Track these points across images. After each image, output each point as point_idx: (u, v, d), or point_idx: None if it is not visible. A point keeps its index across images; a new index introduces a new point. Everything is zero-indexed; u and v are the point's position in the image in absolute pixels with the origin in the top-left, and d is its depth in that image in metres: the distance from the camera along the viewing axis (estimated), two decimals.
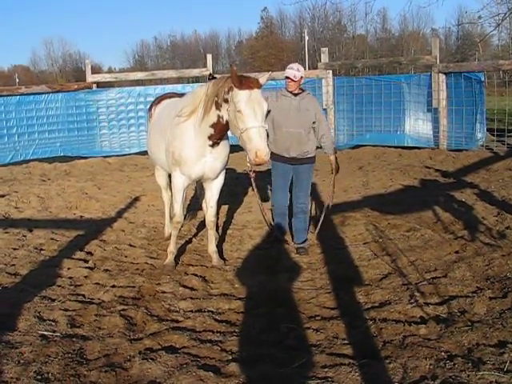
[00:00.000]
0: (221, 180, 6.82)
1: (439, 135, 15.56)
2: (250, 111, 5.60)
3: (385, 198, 10.06)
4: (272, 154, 6.59)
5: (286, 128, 6.96)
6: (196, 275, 6.47)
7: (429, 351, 4.24)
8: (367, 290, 5.74)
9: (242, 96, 5.63)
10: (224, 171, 6.80)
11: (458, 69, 15.41)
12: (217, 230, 7.91)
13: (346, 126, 17.37)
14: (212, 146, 6.26)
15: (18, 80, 67.95)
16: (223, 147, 6.44)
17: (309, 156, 7.16)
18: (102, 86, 17.67)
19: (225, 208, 9.71)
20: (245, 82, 5.67)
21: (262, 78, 5.87)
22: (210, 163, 6.40)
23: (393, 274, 6.14)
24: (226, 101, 5.81)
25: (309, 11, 72.89)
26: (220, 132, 6.11)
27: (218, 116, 5.95)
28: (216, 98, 5.90)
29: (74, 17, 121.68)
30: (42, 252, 7.50)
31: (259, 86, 5.74)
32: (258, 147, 5.52)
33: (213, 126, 6.05)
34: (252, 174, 6.92)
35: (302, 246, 7.33)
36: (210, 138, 6.17)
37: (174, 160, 6.49)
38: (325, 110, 17.29)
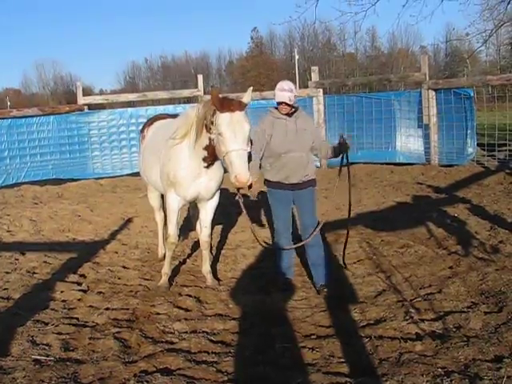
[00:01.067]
0: (216, 200, 6.81)
1: (430, 151, 15.65)
2: (230, 134, 5.55)
3: (378, 215, 10.08)
4: (269, 182, 6.51)
5: (285, 153, 6.31)
6: (190, 296, 6.44)
7: (425, 368, 4.23)
8: (362, 307, 5.73)
9: (222, 119, 5.60)
10: (219, 191, 6.80)
11: (447, 85, 15.53)
12: (211, 250, 7.89)
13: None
14: (207, 167, 6.25)
15: (9, 103, 68.01)
16: (218, 168, 6.42)
17: (310, 179, 6.57)
18: (93, 107, 17.73)
19: (218, 228, 9.70)
20: (226, 105, 5.62)
21: (246, 96, 5.78)
22: (204, 184, 6.40)
23: (387, 290, 6.14)
24: (213, 123, 5.80)
25: (298, 30, 73.51)
26: (213, 154, 6.03)
27: (209, 138, 5.92)
28: (205, 121, 5.90)
29: (64, 39, 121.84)
30: (34, 275, 7.46)
31: (242, 108, 5.66)
32: (237, 171, 5.46)
33: (206, 148, 6.03)
34: (239, 198, 6.39)
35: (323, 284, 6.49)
36: (204, 160, 6.16)
37: (169, 181, 6.49)
38: (316, 128, 17.40)
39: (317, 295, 6.26)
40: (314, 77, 17.78)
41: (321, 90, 17.48)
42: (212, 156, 6.10)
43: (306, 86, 19.37)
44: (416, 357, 4.46)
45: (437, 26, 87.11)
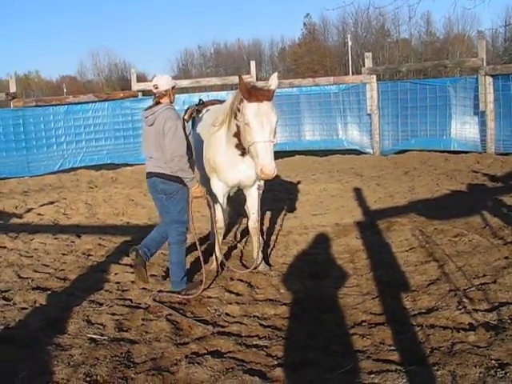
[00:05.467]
0: (260, 187, 6.75)
1: (487, 139, 15.26)
2: (257, 125, 5.54)
3: (431, 203, 9.91)
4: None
5: None
6: (241, 280, 6.49)
7: (478, 359, 4.15)
8: (414, 295, 5.66)
9: (249, 109, 5.59)
10: None
11: (505, 71, 15.09)
12: (262, 235, 7.92)
13: (390, 131, 17.19)
14: (241, 154, 6.19)
15: (65, 90, 69.60)
16: None
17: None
18: (147, 94, 17.89)
19: (269, 214, 9.72)
20: (254, 94, 5.60)
21: (273, 83, 5.70)
22: (244, 172, 6.38)
23: (440, 279, 6.04)
24: (239, 110, 5.79)
25: (352, 16, 72.68)
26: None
27: (237, 126, 5.92)
28: (234, 109, 5.90)
29: (119, 28, 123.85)
30: (89, 257, 7.66)
31: (270, 98, 5.63)
32: (263, 163, 5.46)
33: (235, 135, 6.02)
34: (261, 187, 6.53)
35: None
36: (236, 147, 6.14)
37: (210, 167, 6.59)
38: (369, 115, 17.21)
39: (368, 282, 6.21)
40: (368, 63, 17.54)
41: (374, 77, 17.25)
42: (243, 143, 6.01)
43: (360, 73, 19.16)
44: (469, 347, 4.38)
45: (495, 10, 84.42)
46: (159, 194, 6.23)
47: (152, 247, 6.34)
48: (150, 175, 6.19)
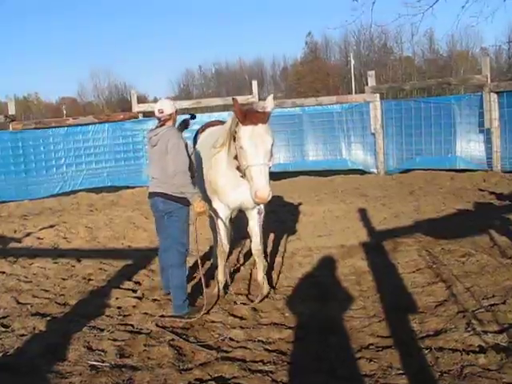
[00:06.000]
0: (262, 209, 6.73)
1: (492, 156, 15.27)
2: (251, 148, 5.55)
3: (437, 222, 9.90)
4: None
5: None
6: (245, 304, 6.48)
7: (489, 382, 4.12)
8: (422, 317, 5.63)
9: (243, 132, 5.60)
10: None
11: (510, 87, 15.14)
12: (265, 258, 7.91)
13: (395, 150, 17.21)
14: (243, 176, 6.08)
15: (65, 112, 69.89)
16: None
17: None
18: (147, 115, 17.97)
19: (273, 235, 9.71)
20: (248, 117, 5.60)
21: (269, 105, 5.73)
22: (246, 193, 6.20)
23: (448, 301, 6.01)
24: (237, 133, 5.80)
25: (354, 35, 73.07)
26: None
27: (236, 148, 5.90)
28: (232, 131, 5.93)
29: (119, 48, 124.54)
30: (90, 282, 7.65)
31: (264, 120, 5.63)
32: (257, 187, 5.47)
33: (235, 157, 5.99)
34: (260, 212, 6.56)
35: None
36: (237, 169, 6.10)
37: (211, 189, 6.59)
38: (373, 134, 17.25)
39: (374, 304, 6.19)
40: (371, 81, 17.64)
41: (377, 95, 17.33)
42: None
43: (363, 91, 19.25)
44: (479, 370, 4.35)
45: (498, 26, 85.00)
46: (160, 214, 6.34)
47: (177, 294, 6.40)
48: (151, 195, 6.36)
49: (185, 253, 6.30)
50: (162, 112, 6.25)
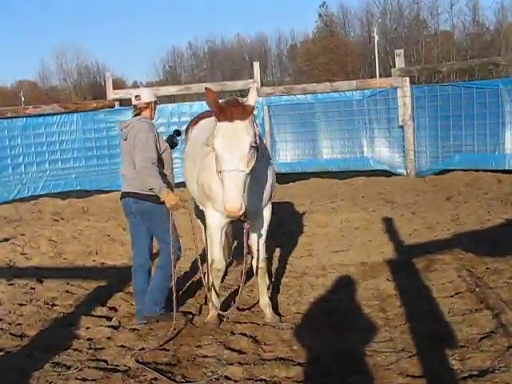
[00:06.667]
0: (265, 218, 6.78)
1: None
2: (223, 150, 5.53)
3: (481, 235, 9.90)
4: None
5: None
6: (245, 335, 6.46)
7: None
8: (463, 353, 5.62)
9: (217, 130, 5.62)
10: (269, 207, 6.79)
11: None
12: (270, 278, 7.91)
13: (428, 147, 17.19)
14: None
15: (23, 99, 70.10)
16: (260, 179, 6.38)
17: None
18: (126, 103, 18.00)
19: (279, 251, 9.71)
20: (223, 111, 5.59)
21: (251, 98, 5.69)
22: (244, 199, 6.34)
23: (496, 332, 6.00)
24: None
25: (378, 4, 73.24)
26: None
27: None
28: None
29: (91, 23, 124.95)
30: (54, 308, 7.64)
31: (244, 116, 5.59)
32: (226, 198, 5.44)
33: None
34: (246, 226, 6.51)
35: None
36: None
37: (204, 194, 6.62)
38: (401, 127, 17.25)
39: (403, 336, 6.18)
40: (399, 62, 17.65)
41: (407, 79, 17.34)
42: None
43: (389, 75, 19.29)
44: None
45: None
46: (134, 217, 6.67)
47: (155, 296, 6.75)
48: (122, 195, 6.68)
49: (170, 253, 6.59)
50: (139, 99, 6.54)
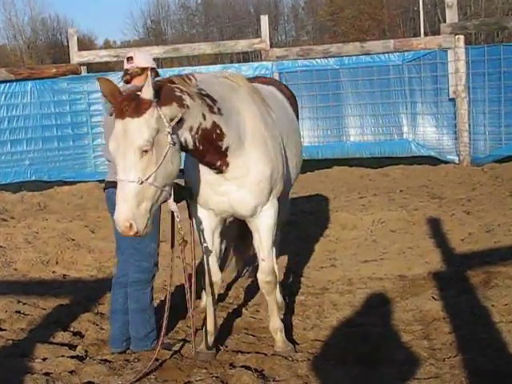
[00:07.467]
0: (267, 218, 6.67)
1: None
2: (113, 153, 5.47)
3: None
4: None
5: None
6: (248, 368, 6.44)
7: None
8: None
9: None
10: (286, 202, 6.78)
11: None
12: (281, 295, 7.92)
13: (487, 127, 17.16)
14: (218, 172, 6.18)
15: None
16: (249, 170, 6.33)
17: None
18: (95, 68, 18.05)
19: (293, 260, 9.72)
20: (117, 105, 5.45)
21: (145, 90, 5.36)
22: (233, 194, 6.33)
23: None
24: None
25: None
26: (200, 157, 6.02)
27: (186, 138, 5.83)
28: None
29: None
30: (1, 333, 7.63)
31: (138, 112, 5.34)
32: (115, 213, 5.43)
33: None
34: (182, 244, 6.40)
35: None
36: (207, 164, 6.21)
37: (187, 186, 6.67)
38: (453, 100, 17.18)
39: (453, 372, 6.18)
40: (451, 16, 17.59)
41: (461, 38, 17.24)
42: (202, 159, 6.06)
43: (437, 32, 19.24)
44: None
45: None
46: None
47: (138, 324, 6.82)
48: (106, 185, 6.75)
49: (150, 269, 6.73)
50: (132, 62, 6.47)
